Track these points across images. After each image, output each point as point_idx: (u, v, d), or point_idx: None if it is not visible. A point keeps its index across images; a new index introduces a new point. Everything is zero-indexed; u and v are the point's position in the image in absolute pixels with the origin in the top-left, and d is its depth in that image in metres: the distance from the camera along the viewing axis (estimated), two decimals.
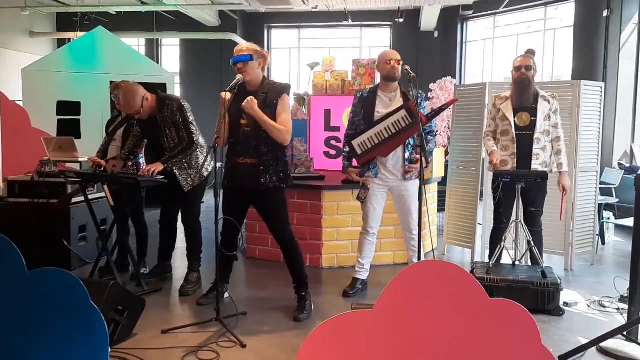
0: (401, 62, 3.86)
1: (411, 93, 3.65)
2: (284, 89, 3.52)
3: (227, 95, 3.36)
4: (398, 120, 3.80)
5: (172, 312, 3.73)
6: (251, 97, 3.37)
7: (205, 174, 4.13)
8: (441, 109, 3.78)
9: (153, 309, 3.67)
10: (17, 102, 7.45)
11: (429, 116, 3.81)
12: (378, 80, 5.67)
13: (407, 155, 3.91)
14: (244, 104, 3.34)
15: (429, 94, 8.11)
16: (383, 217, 4.16)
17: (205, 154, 4.15)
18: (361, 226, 4.15)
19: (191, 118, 4.02)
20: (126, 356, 2.95)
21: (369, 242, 4.11)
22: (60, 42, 11.95)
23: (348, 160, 4.07)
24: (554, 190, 4.34)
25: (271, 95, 3.47)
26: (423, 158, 3.50)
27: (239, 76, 3.42)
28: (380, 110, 3.90)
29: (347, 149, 4.05)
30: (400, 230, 4.33)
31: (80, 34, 10.15)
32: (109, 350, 2.77)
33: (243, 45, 3.52)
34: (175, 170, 4.00)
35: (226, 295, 3.84)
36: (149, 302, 3.52)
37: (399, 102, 3.88)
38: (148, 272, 4.42)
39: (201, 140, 4.09)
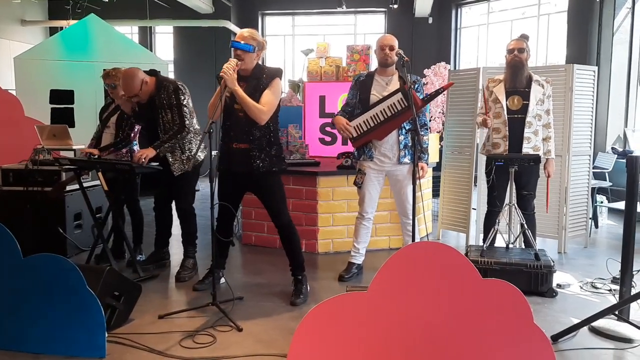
0: (395, 48, 3.85)
1: (408, 77, 3.66)
2: (276, 73, 3.50)
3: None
4: (394, 103, 3.80)
5: (168, 297, 3.75)
6: (231, 66, 3.28)
7: (199, 159, 4.11)
8: (437, 93, 3.76)
9: (149, 294, 3.69)
10: (9, 91, 7.41)
11: (424, 100, 3.81)
12: (372, 66, 5.69)
13: (401, 139, 3.92)
14: (221, 73, 3.22)
15: (423, 80, 8.09)
16: (378, 202, 4.18)
17: (198, 140, 4.13)
18: (357, 211, 4.17)
19: (186, 102, 3.97)
20: (123, 341, 2.96)
21: (365, 227, 4.14)
22: (53, 30, 11.85)
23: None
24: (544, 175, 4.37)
25: (263, 80, 3.45)
26: (417, 142, 3.50)
27: (233, 61, 3.36)
28: (376, 93, 3.90)
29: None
30: (395, 215, 4.34)
31: (72, 22, 10.06)
32: (106, 334, 2.80)
33: (246, 31, 3.43)
34: (167, 155, 3.98)
35: (222, 280, 3.86)
36: (145, 289, 3.53)
37: (395, 85, 3.88)
38: (144, 258, 4.44)
39: (196, 125, 4.07)
